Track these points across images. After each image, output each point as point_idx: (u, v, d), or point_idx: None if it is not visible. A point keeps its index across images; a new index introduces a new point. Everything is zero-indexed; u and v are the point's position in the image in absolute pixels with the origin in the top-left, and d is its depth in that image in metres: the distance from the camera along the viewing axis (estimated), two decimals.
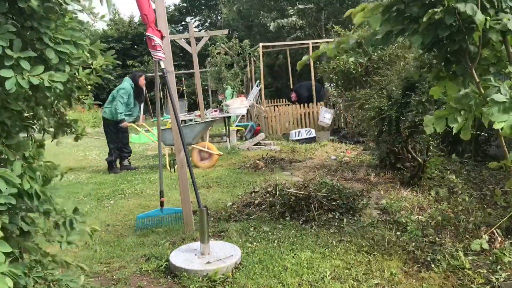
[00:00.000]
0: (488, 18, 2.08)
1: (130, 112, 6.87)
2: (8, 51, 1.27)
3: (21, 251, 1.58)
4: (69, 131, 1.88)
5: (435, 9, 2.06)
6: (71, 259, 1.78)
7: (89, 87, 1.70)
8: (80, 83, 1.62)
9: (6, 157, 1.42)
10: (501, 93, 2.08)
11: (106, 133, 7.04)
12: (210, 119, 7.63)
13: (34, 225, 1.58)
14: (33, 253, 1.58)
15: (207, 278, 2.66)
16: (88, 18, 1.59)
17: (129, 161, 7.18)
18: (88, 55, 1.56)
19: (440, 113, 2.39)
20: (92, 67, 1.61)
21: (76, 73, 1.56)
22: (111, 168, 6.87)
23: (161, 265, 2.94)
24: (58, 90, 1.33)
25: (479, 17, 2.02)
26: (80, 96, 1.78)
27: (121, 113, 6.60)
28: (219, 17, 23.91)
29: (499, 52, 2.42)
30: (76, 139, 1.90)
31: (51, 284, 1.63)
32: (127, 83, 6.87)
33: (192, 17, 28.64)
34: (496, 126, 2.02)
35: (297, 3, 15.64)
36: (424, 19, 2.10)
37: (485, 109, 2.08)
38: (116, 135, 6.90)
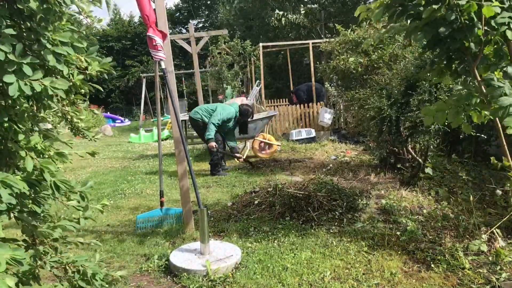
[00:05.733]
0: None
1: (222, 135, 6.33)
2: (11, 56, 1.26)
3: (34, 239, 1.61)
4: (81, 135, 1.91)
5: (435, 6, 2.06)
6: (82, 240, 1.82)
7: (83, 90, 1.70)
8: (74, 88, 1.61)
9: (18, 153, 1.43)
10: (507, 94, 2.07)
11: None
12: (272, 113, 7.72)
13: (45, 211, 1.62)
14: (45, 238, 1.60)
15: (207, 278, 2.67)
16: (88, 19, 1.58)
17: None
18: (84, 59, 1.55)
19: (441, 106, 2.38)
20: (88, 72, 1.60)
21: (71, 77, 1.56)
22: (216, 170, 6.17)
23: (161, 265, 2.95)
24: (59, 97, 1.33)
25: None
26: (76, 100, 1.77)
27: (209, 134, 5.96)
28: (219, 16, 23.91)
29: (501, 50, 2.40)
30: (93, 154, 1.91)
31: (67, 267, 1.67)
32: (233, 109, 6.28)
33: (197, 19, 28.73)
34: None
35: (306, 1, 15.63)
36: (424, 15, 2.09)
37: (492, 111, 2.08)
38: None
